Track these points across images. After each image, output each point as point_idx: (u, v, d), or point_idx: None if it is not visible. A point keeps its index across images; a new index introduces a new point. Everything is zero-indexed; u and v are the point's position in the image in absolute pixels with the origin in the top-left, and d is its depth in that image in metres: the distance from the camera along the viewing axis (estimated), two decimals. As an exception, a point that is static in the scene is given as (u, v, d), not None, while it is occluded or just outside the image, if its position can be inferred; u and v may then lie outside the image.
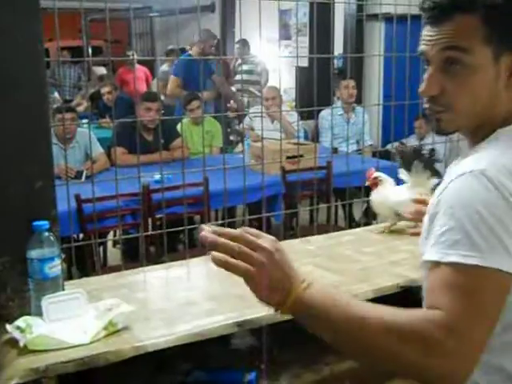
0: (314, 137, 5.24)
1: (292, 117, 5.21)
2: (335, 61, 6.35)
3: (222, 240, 0.99)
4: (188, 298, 1.85)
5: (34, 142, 1.65)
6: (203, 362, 1.81)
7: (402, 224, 2.36)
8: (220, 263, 0.99)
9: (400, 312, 0.94)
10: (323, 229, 2.85)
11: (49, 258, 1.62)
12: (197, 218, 4.06)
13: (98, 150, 4.42)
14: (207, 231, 1.00)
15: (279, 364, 1.86)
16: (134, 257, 3.41)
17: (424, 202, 1.68)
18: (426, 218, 1.08)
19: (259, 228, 2.06)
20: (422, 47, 1.12)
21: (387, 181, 2.41)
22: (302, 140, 4.99)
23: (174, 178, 3.17)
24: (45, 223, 1.61)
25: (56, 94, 7.83)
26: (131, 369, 1.60)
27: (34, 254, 1.61)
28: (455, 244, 0.93)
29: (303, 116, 5.48)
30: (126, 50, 8.80)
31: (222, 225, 3.64)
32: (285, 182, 3.96)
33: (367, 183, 2.44)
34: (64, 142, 3.75)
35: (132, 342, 1.53)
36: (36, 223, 1.61)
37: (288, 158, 4.08)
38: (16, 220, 1.64)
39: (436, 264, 0.95)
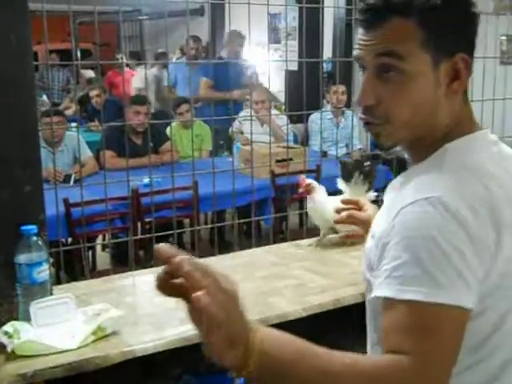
0: (304, 140, 5.25)
1: (281, 120, 5.21)
2: (324, 64, 6.36)
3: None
4: (177, 302, 1.84)
5: (22, 146, 1.64)
6: (192, 367, 1.81)
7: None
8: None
9: (365, 360, 0.87)
10: (313, 232, 2.85)
11: (37, 262, 1.60)
12: (186, 221, 4.05)
13: (86, 154, 4.39)
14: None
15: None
16: (123, 261, 3.39)
17: (354, 204, 1.56)
18: (371, 243, 1.00)
19: (248, 231, 2.06)
20: (356, 52, 1.02)
21: (320, 188, 2.36)
22: (291, 144, 5.00)
23: (164, 182, 3.16)
24: (33, 227, 1.60)
25: (45, 97, 7.79)
26: (120, 374, 1.59)
27: (22, 258, 1.60)
28: (412, 280, 0.85)
29: (292, 119, 5.48)
30: (115, 53, 8.79)
31: (212, 228, 3.64)
32: (274, 186, 3.96)
33: (300, 190, 2.38)
34: (52, 145, 3.73)
35: (121, 347, 1.52)
36: (24, 227, 1.60)
37: (277, 161, 4.08)
38: (4, 224, 1.63)
39: (391, 301, 0.87)
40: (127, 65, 8.33)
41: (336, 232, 2.33)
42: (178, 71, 6.35)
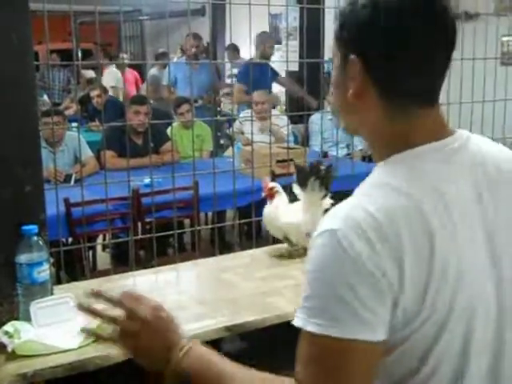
0: (304, 141, 5.25)
1: (282, 121, 5.21)
2: (325, 65, 6.36)
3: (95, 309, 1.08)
4: (177, 303, 1.84)
5: (22, 146, 1.64)
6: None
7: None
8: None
9: (266, 379, 0.99)
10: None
11: (37, 262, 1.61)
12: (187, 221, 4.05)
13: (87, 154, 4.39)
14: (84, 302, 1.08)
15: (269, 369, 1.86)
16: (123, 261, 3.39)
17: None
18: None
19: (249, 232, 2.06)
20: None
21: (282, 194, 2.24)
22: (291, 144, 5.00)
23: (164, 182, 3.16)
24: (34, 227, 1.61)
25: (45, 97, 7.80)
26: (121, 373, 1.59)
27: (22, 258, 1.60)
28: (312, 312, 0.88)
29: (293, 120, 5.49)
30: (118, 53, 8.80)
31: (213, 229, 3.64)
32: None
33: (263, 194, 2.26)
34: (52, 145, 3.73)
35: (121, 347, 1.52)
36: (25, 227, 1.60)
37: (278, 161, 4.08)
38: (4, 224, 1.63)
39: (301, 330, 0.91)
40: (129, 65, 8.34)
41: (291, 243, 2.21)
42: (179, 71, 6.22)
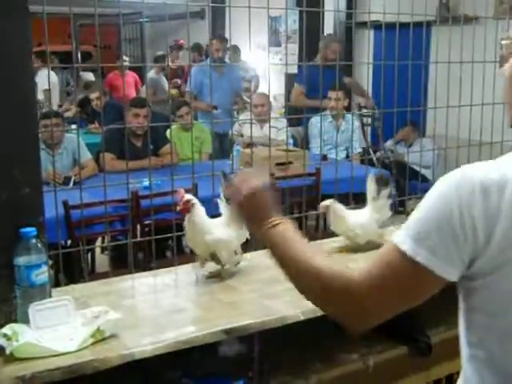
0: (303, 143, 5.25)
1: (281, 123, 5.21)
2: (324, 68, 6.37)
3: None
4: (176, 305, 1.84)
5: (21, 148, 1.64)
6: (191, 370, 1.80)
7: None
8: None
9: (330, 263, 1.13)
10: (312, 235, 2.85)
11: (36, 264, 1.60)
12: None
13: (86, 156, 4.39)
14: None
15: (267, 372, 1.86)
16: (122, 263, 3.39)
17: None
18: None
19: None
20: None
21: (200, 207, 2.06)
22: (291, 147, 5.00)
23: (163, 184, 3.16)
24: (32, 230, 1.60)
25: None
26: (119, 377, 1.59)
27: (21, 260, 1.60)
28: (403, 227, 1.05)
29: (292, 123, 5.49)
30: (118, 56, 8.79)
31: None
32: (274, 189, 3.96)
33: (178, 208, 2.06)
34: (51, 147, 3.73)
35: (119, 350, 1.52)
36: (23, 230, 1.60)
37: (277, 164, 4.08)
38: (3, 226, 1.62)
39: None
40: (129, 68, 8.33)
41: (218, 261, 2.06)
42: (204, 76, 5.58)
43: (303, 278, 1.16)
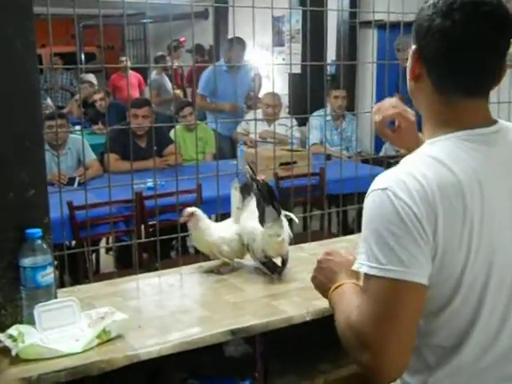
0: (308, 143, 5.24)
1: (289, 121, 5.21)
2: (328, 67, 6.36)
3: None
4: (181, 306, 1.84)
5: (26, 150, 1.64)
6: (197, 371, 1.80)
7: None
8: None
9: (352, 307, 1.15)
10: (317, 235, 2.85)
11: (41, 266, 1.60)
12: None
13: (90, 157, 4.40)
14: None
15: (273, 372, 1.85)
16: (126, 264, 3.39)
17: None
18: None
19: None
20: None
21: (204, 217, 2.14)
22: (295, 147, 5.00)
23: (168, 185, 3.16)
24: (38, 231, 1.60)
25: (48, 100, 7.80)
26: (125, 378, 1.58)
27: (26, 261, 1.60)
28: (362, 255, 1.10)
29: (297, 123, 5.50)
30: (120, 56, 8.79)
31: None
32: (278, 189, 3.96)
33: (181, 220, 2.15)
34: (55, 148, 3.73)
35: (125, 351, 1.52)
36: (29, 231, 1.60)
37: (281, 164, 4.08)
38: (8, 228, 1.62)
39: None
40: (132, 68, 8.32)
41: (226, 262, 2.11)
42: (219, 79, 5.18)
43: (342, 334, 1.16)
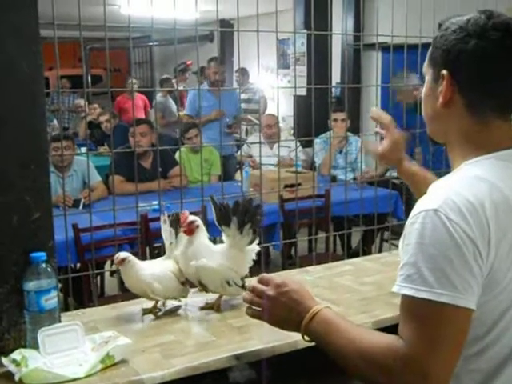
0: (312, 165, 5.25)
1: (293, 143, 5.22)
2: (333, 89, 6.38)
3: (245, 295, 1.34)
4: (185, 330, 1.82)
5: (31, 172, 1.64)
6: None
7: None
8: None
9: (372, 337, 1.14)
10: (322, 258, 2.84)
11: (45, 289, 1.60)
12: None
13: (95, 179, 4.41)
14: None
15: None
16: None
17: None
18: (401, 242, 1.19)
19: (257, 257, 2.05)
20: None
21: (203, 230, 1.93)
22: (299, 168, 5.00)
23: (173, 207, 3.16)
24: (42, 255, 1.60)
25: (55, 122, 7.86)
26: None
27: (30, 285, 1.59)
28: (408, 278, 1.06)
29: (301, 144, 5.50)
30: (127, 79, 8.86)
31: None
32: (283, 211, 3.95)
33: (182, 229, 1.92)
34: (61, 170, 3.74)
35: (129, 376, 1.51)
36: (33, 255, 1.59)
37: (286, 186, 4.08)
38: (12, 251, 1.62)
39: (397, 293, 1.09)
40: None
41: (205, 289, 1.95)
42: (203, 99, 5.41)
43: (357, 364, 1.12)
